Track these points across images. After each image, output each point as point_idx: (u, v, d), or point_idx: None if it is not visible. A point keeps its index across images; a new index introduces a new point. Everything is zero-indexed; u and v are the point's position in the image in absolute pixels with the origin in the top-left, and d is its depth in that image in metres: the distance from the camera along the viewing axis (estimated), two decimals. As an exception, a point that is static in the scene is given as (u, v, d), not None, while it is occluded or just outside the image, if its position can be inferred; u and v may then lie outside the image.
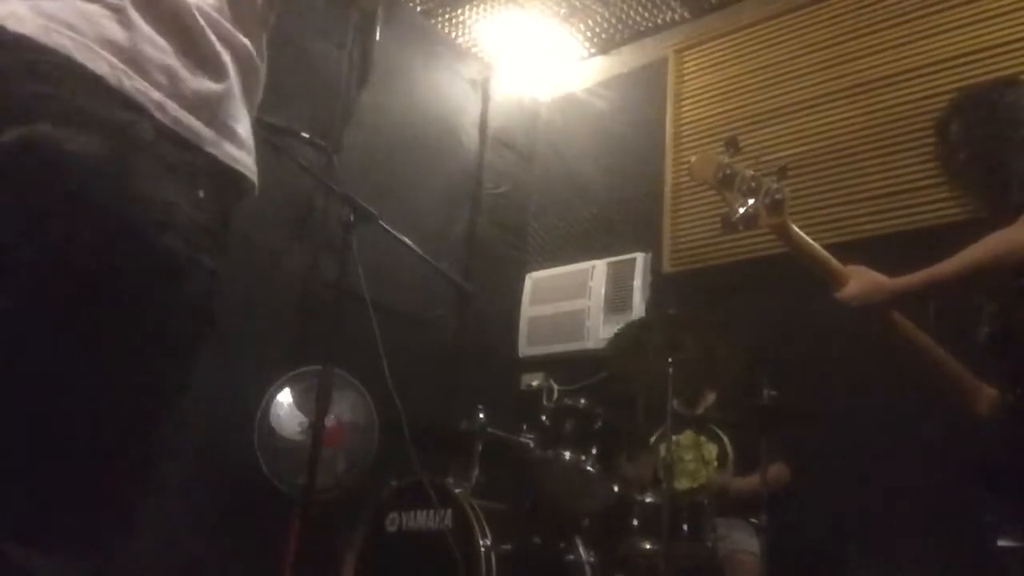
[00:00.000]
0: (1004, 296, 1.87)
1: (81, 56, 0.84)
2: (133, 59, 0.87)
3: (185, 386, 0.94)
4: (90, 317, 0.83)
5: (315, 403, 2.73)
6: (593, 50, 4.85)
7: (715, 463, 3.38)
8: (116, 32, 0.87)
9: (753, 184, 1.91)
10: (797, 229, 1.93)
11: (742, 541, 3.05)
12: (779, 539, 2.94)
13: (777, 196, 1.88)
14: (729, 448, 3.41)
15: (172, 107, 0.89)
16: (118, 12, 0.88)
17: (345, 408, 3.27)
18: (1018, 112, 1.89)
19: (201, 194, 0.91)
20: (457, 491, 2.91)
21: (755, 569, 2.97)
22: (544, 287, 4.61)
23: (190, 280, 0.90)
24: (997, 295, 1.88)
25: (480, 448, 3.13)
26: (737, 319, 3.56)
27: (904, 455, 3.11)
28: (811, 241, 1.94)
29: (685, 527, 2.94)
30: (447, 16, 4.64)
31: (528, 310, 4.62)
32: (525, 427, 3.27)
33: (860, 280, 1.86)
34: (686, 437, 3.45)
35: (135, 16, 0.89)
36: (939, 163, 2.11)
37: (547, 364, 4.40)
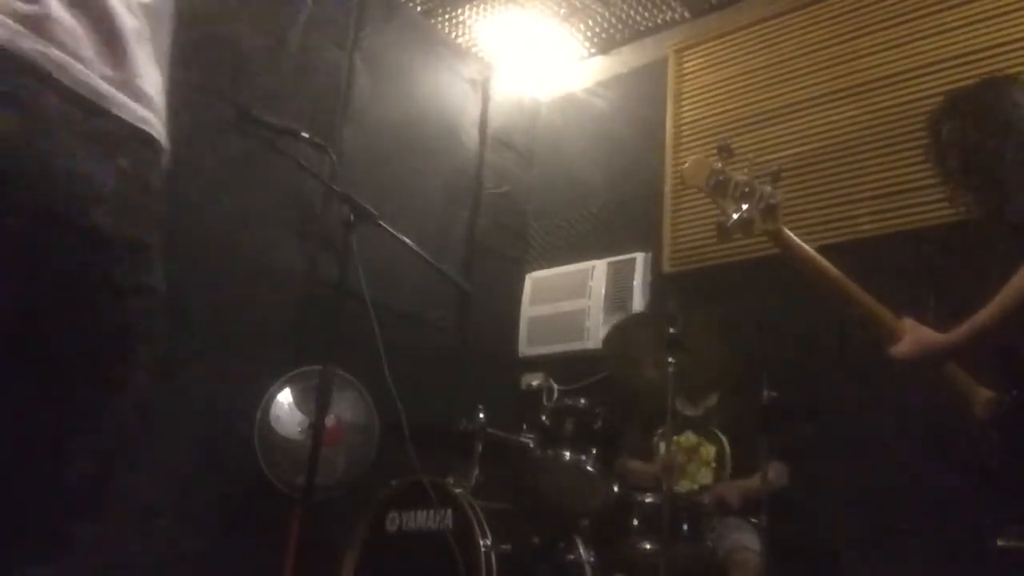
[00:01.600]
0: None
1: None
2: (33, 22, 0.80)
3: (130, 367, 0.88)
4: (25, 307, 0.78)
5: (315, 403, 2.73)
6: (593, 50, 4.85)
7: (713, 464, 3.38)
8: (16, 1, 0.80)
9: (747, 189, 1.91)
10: (791, 234, 1.94)
11: (744, 539, 3.04)
12: (779, 539, 2.94)
13: (771, 201, 1.88)
14: (728, 450, 3.41)
15: (77, 68, 0.82)
16: None
17: (345, 408, 3.27)
18: (1009, 112, 1.89)
19: (123, 163, 0.84)
20: (457, 491, 2.91)
21: (758, 567, 2.97)
22: (544, 287, 4.61)
23: (123, 257, 0.84)
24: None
25: (480, 448, 3.13)
26: (737, 319, 3.56)
27: (904, 455, 3.11)
28: (807, 247, 1.94)
29: (685, 527, 2.94)
30: (447, 16, 4.64)
31: (528, 310, 4.62)
32: (525, 427, 3.27)
33: (911, 339, 1.86)
34: (687, 439, 3.45)
35: None
36: (931, 164, 2.11)
37: (547, 364, 4.40)
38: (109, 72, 0.85)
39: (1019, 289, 1.74)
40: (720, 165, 1.94)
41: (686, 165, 2.03)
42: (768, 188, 1.90)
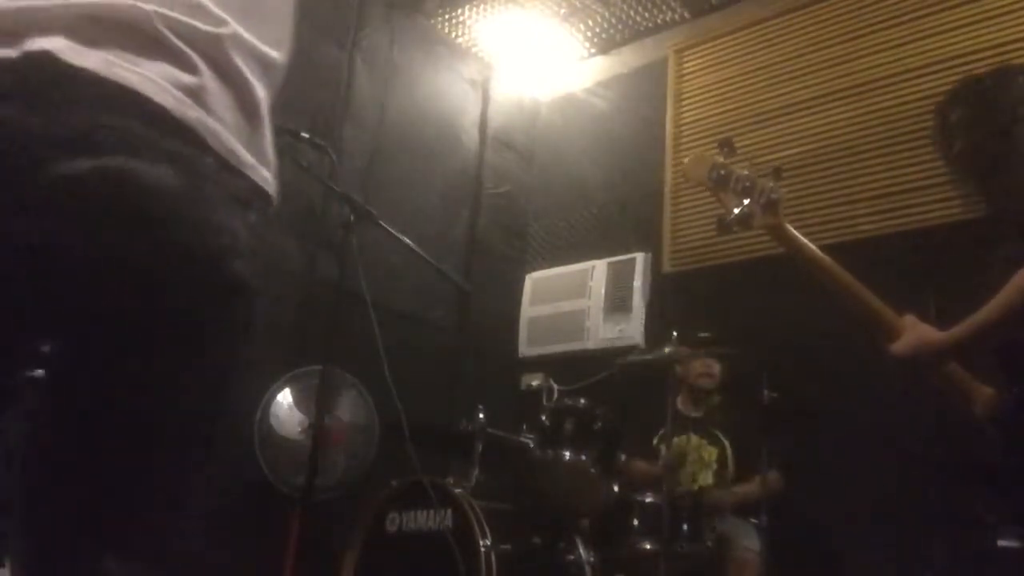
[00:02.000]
0: None
1: (145, 89, 0.86)
2: (193, 91, 0.90)
3: (232, 397, 1.00)
4: (168, 340, 0.88)
5: (315, 403, 2.73)
6: (593, 50, 4.85)
7: (715, 466, 3.38)
8: (178, 72, 0.90)
9: (748, 184, 1.90)
10: (793, 230, 1.93)
11: (745, 539, 3.04)
12: (780, 539, 2.94)
13: (772, 196, 1.88)
14: (729, 452, 3.41)
15: (225, 136, 0.92)
16: (180, 57, 0.91)
17: (345, 408, 3.27)
18: (1020, 101, 1.88)
19: (252, 218, 0.95)
20: (457, 491, 2.91)
21: (758, 567, 2.97)
22: (544, 287, 4.61)
23: (245, 301, 0.95)
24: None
25: (480, 448, 3.13)
26: (737, 319, 3.56)
27: (904, 455, 3.11)
28: (808, 243, 1.94)
29: (685, 527, 2.94)
30: (447, 16, 4.64)
31: (528, 310, 4.62)
32: (525, 427, 3.27)
33: (912, 336, 1.85)
34: (689, 440, 3.44)
35: (198, 61, 0.92)
36: (936, 149, 2.11)
37: (547, 364, 4.40)
38: (246, 137, 0.96)
39: (1020, 288, 1.74)
40: (722, 159, 1.94)
41: (687, 160, 2.03)
42: (770, 183, 1.89)
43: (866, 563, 3.14)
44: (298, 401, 3.21)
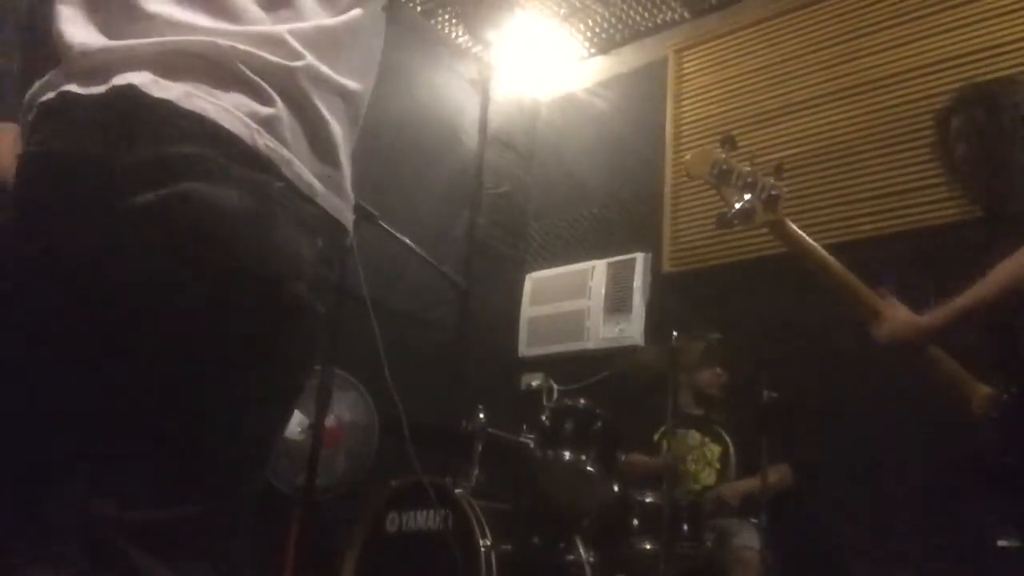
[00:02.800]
0: None
1: (220, 118, 0.91)
2: (267, 122, 0.94)
3: (292, 413, 1.05)
4: (229, 353, 0.92)
5: (315, 403, 2.73)
6: (593, 50, 4.85)
7: (717, 465, 3.38)
8: (254, 104, 0.95)
9: (750, 180, 1.90)
10: (794, 227, 1.93)
11: (747, 538, 3.04)
12: (780, 538, 2.94)
13: (773, 192, 1.88)
14: (732, 450, 3.41)
15: (297, 165, 0.96)
16: (256, 89, 0.96)
17: (345, 408, 3.26)
18: (1021, 109, 1.89)
19: (320, 244, 0.99)
20: (457, 491, 2.91)
21: (759, 566, 2.97)
22: (544, 287, 4.61)
23: (309, 322, 0.98)
24: None
25: (480, 448, 3.12)
26: (737, 319, 3.56)
27: (904, 455, 3.11)
28: (809, 239, 1.94)
29: (685, 527, 2.94)
30: (447, 16, 4.64)
31: (528, 310, 4.62)
32: (525, 427, 3.27)
33: (894, 319, 1.86)
34: (692, 438, 3.45)
35: (273, 93, 0.96)
36: (935, 155, 2.11)
37: (547, 364, 4.40)
38: (319, 168, 1.00)
39: (1005, 276, 1.74)
40: (724, 155, 1.94)
41: (689, 155, 2.03)
42: (771, 179, 1.89)
43: (866, 563, 3.14)
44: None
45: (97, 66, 0.93)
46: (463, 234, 4.56)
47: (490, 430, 3.16)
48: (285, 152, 0.95)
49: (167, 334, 0.89)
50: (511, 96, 4.98)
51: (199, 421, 0.91)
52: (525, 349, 4.57)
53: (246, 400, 0.94)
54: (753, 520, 3.10)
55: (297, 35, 0.99)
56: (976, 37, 3.51)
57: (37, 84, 0.99)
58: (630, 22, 4.62)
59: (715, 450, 3.41)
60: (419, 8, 4.58)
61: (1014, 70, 3.28)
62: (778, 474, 3.15)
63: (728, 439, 3.42)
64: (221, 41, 0.94)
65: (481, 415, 3.15)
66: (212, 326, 0.90)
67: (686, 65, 4.49)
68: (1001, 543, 2.33)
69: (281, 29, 0.98)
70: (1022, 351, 1.84)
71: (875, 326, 1.87)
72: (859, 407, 3.26)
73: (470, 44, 4.80)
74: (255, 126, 0.93)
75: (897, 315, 1.86)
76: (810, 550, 3.22)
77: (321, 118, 1.00)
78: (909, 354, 1.89)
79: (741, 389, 3.40)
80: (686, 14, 4.51)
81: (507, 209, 4.82)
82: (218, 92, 0.93)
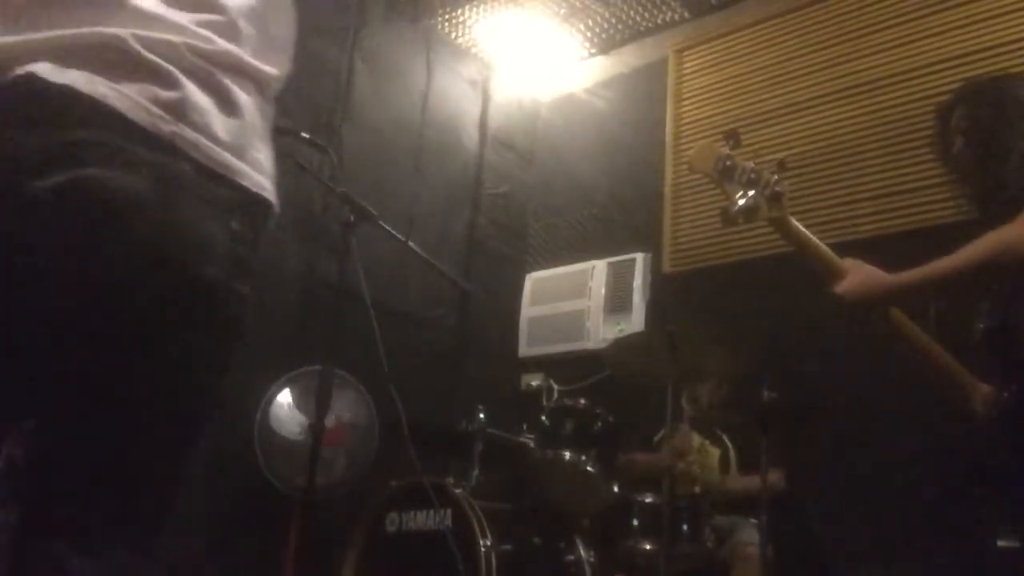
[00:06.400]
0: (1001, 292, 1.86)
1: (120, 105, 0.90)
2: (171, 105, 0.93)
3: (216, 400, 1.03)
4: (135, 342, 0.90)
5: (315, 403, 2.73)
6: (593, 50, 4.85)
7: (717, 467, 3.38)
8: (158, 89, 0.93)
9: (753, 176, 1.90)
10: (797, 223, 1.93)
11: (748, 536, 3.04)
12: (779, 539, 2.94)
13: (777, 188, 1.87)
14: (732, 451, 3.41)
15: (205, 145, 0.95)
16: (159, 74, 0.94)
17: (345, 408, 3.27)
18: (1021, 106, 1.89)
19: (235, 225, 0.97)
20: (457, 491, 2.91)
21: (759, 564, 2.97)
22: (544, 287, 4.61)
23: (226, 306, 0.97)
24: (993, 291, 1.88)
25: (480, 448, 3.13)
26: (737, 319, 3.56)
27: (904, 455, 3.11)
28: (811, 235, 1.94)
29: (685, 527, 2.94)
30: (447, 16, 4.64)
31: (528, 310, 4.62)
32: (525, 427, 3.27)
33: (856, 275, 1.85)
34: (692, 439, 3.44)
35: (180, 76, 0.95)
36: (934, 148, 2.11)
37: (547, 364, 4.40)
38: (234, 146, 0.98)
39: (984, 249, 1.73)
40: (727, 151, 1.93)
41: (692, 150, 2.03)
42: (775, 176, 1.89)
43: (865, 563, 3.14)
44: (298, 401, 3.21)
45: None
46: (463, 234, 4.56)
47: (490, 430, 3.17)
48: (190, 133, 0.94)
49: (68, 323, 0.87)
50: (511, 96, 4.98)
51: (108, 415, 0.90)
52: (525, 349, 4.57)
53: (158, 388, 0.93)
54: (753, 520, 3.10)
55: (204, 20, 0.98)
56: (976, 37, 3.51)
57: None
58: (630, 22, 4.62)
59: (714, 452, 3.40)
60: (419, 8, 4.57)
61: (1014, 70, 3.28)
62: (772, 479, 3.14)
63: (728, 442, 3.42)
64: (120, 30, 0.93)
65: (481, 415, 3.16)
66: (114, 314, 0.89)
67: (686, 65, 4.49)
68: (1001, 543, 2.33)
69: (186, 12, 0.97)
70: (1021, 351, 1.84)
71: (837, 283, 1.86)
72: (859, 407, 3.26)
73: (470, 44, 4.80)
74: (157, 111, 0.92)
75: (859, 271, 1.85)
76: (809, 550, 3.21)
77: (232, 99, 0.99)
78: (870, 311, 1.87)
79: (741, 390, 3.39)
80: (686, 14, 4.50)
81: (507, 209, 4.82)
82: (121, 79, 0.91)
